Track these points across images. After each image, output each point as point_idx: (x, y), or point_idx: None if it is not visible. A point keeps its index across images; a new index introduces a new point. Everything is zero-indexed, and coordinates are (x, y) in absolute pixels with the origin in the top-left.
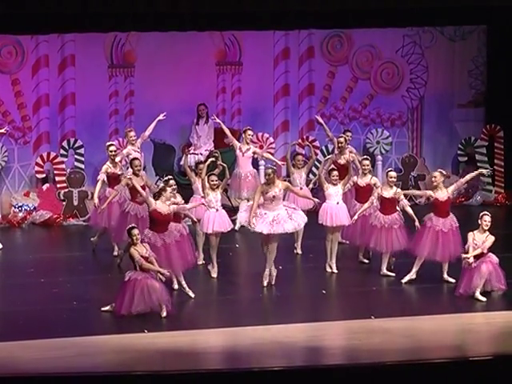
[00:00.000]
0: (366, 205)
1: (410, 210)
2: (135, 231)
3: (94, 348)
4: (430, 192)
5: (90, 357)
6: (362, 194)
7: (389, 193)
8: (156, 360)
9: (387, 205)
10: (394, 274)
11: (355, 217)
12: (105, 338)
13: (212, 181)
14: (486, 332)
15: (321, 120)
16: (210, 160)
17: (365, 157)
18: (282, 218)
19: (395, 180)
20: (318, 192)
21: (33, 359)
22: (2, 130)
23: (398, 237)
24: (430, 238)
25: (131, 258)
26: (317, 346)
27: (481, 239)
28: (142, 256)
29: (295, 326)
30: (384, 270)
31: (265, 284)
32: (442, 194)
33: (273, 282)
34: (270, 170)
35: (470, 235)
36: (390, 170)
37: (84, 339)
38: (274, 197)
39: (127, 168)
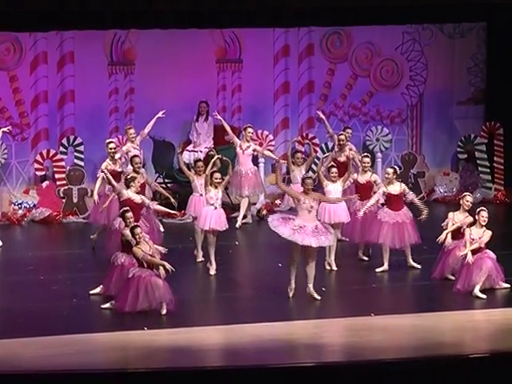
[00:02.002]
0: (373, 200)
1: (417, 202)
2: (138, 230)
3: (93, 345)
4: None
5: (90, 354)
6: (362, 191)
7: (395, 189)
8: (156, 357)
9: (396, 201)
10: (419, 266)
11: (360, 213)
12: (104, 336)
13: (216, 178)
14: (486, 329)
15: (322, 116)
16: (216, 157)
17: (365, 154)
18: (322, 229)
19: (389, 175)
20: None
21: (32, 357)
22: (5, 129)
23: (409, 231)
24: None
25: (135, 257)
26: (316, 343)
27: (478, 234)
28: (146, 253)
29: (295, 324)
30: (411, 262)
31: (318, 297)
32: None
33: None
34: (310, 180)
35: (467, 231)
36: (390, 167)
37: (84, 336)
38: (312, 207)
39: (127, 165)
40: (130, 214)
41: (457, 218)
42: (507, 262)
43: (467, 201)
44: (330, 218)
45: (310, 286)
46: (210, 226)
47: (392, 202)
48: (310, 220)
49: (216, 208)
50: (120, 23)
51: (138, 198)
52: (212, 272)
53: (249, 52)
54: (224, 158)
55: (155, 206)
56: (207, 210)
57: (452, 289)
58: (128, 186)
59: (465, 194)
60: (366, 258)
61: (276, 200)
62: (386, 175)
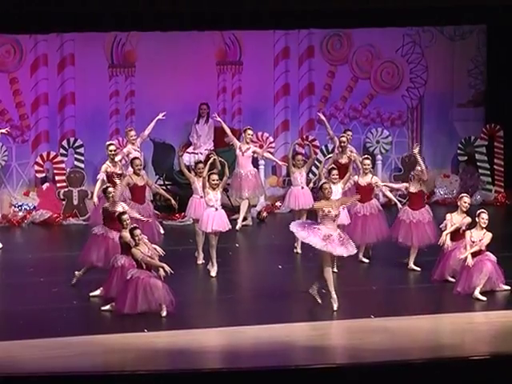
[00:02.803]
0: (397, 185)
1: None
2: (137, 231)
3: (93, 347)
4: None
5: (90, 356)
6: (362, 193)
7: (415, 188)
8: (156, 359)
9: (415, 200)
10: (419, 269)
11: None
12: (104, 338)
13: (213, 180)
14: (486, 331)
15: (323, 117)
16: (212, 158)
17: (366, 156)
18: (346, 237)
19: (419, 174)
20: (317, 191)
21: (32, 359)
22: (3, 130)
23: (427, 231)
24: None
25: (134, 259)
26: (317, 345)
27: (478, 237)
28: (145, 254)
29: (295, 326)
30: (411, 265)
31: (336, 308)
32: None
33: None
34: (327, 185)
35: (468, 233)
36: (418, 166)
37: (84, 338)
38: (336, 216)
39: (127, 167)
40: (126, 217)
41: (455, 220)
42: (507, 264)
43: (465, 202)
44: None
45: (333, 293)
46: (213, 228)
47: (412, 200)
48: (334, 228)
49: (217, 209)
50: (120, 25)
51: (120, 209)
52: (213, 274)
53: (249, 54)
54: (220, 159)
55: (132, 214)
56: (208, 212)
57: (452, 291)
58: (107, 199)
59: (462, 195)
60: (366, 260)
61: (276, 202)
62: (416, 172)
